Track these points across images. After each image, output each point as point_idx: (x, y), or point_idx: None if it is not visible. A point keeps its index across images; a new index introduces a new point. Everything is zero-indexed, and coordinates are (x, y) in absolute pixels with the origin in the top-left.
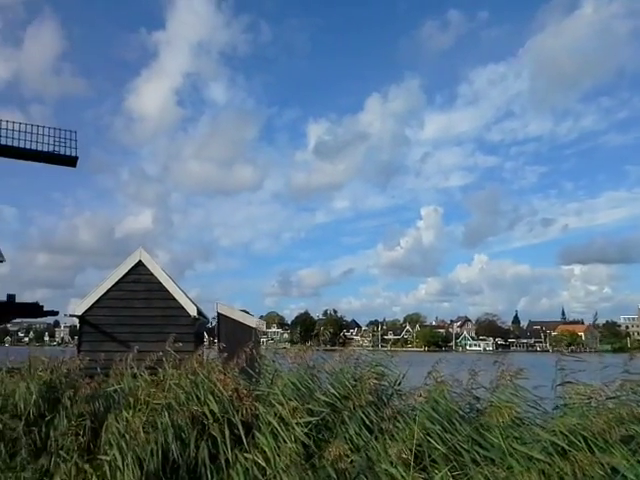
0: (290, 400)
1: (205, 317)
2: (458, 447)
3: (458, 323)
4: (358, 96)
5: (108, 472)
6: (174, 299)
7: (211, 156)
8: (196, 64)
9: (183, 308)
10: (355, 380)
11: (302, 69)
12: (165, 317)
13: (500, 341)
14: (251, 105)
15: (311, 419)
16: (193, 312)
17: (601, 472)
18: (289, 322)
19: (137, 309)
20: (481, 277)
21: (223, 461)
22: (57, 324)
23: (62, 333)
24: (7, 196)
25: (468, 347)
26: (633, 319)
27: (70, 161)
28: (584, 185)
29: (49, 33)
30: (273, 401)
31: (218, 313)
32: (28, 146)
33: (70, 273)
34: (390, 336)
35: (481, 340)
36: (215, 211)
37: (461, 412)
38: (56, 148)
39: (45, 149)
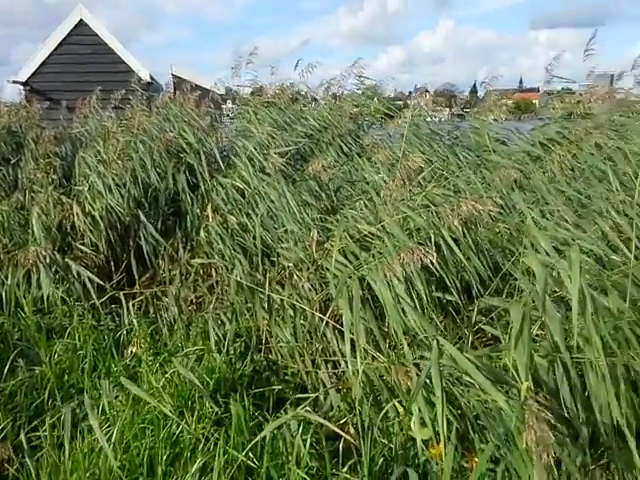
0: (268, 127)
1: (159, 84)
2: (440, 164)
3: (416, 94)
4: None
5: (89, 198)
6: (123, 62)
7: None
8: None
9: (134, 72)
10: (333, 110)
11: None
12: (115, 82)
13: (457, 111)
14: None
15: (288, 148)
16: (145, 76)
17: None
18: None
19: (83, 74)
20: (444, 45)
21: (203, 188)
22: None
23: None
24: None
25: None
26: (587, 86)
27: None
28: None
29: None
30: (252, 129)
31: (173, 75)
32: None
33: (2, 47)
34: None
35: (438, 111)
36: None
37: (441, 133)
38: None
39: None
